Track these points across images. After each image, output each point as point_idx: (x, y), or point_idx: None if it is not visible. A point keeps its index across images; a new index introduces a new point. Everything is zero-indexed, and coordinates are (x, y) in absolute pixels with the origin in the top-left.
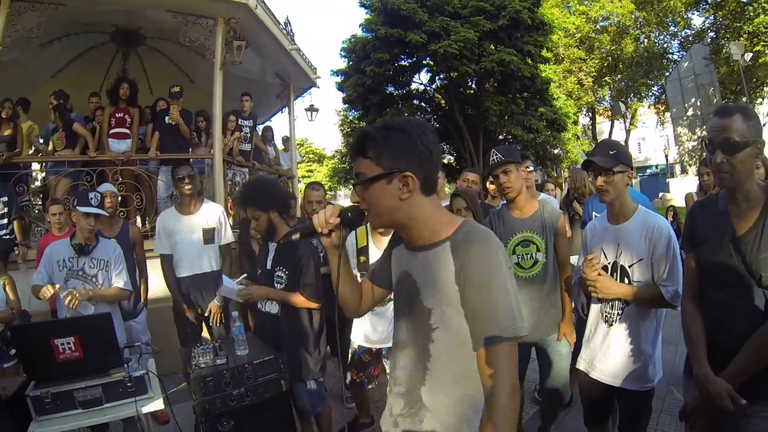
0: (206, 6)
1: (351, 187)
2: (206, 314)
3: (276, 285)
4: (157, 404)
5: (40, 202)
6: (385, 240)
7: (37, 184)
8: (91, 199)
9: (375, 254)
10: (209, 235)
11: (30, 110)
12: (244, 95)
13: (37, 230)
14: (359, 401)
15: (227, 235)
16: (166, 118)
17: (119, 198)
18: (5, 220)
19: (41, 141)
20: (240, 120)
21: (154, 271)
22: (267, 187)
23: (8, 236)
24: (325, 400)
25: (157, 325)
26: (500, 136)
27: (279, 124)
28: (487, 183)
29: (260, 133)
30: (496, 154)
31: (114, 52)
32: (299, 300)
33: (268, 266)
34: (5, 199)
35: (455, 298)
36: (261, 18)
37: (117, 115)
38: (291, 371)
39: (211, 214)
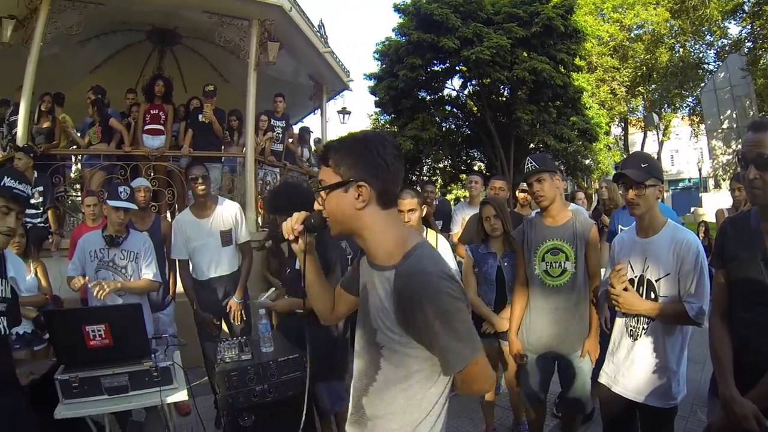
0: (241, 7)
1: None
2: (227, 310)
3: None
4: (181, 395)
5: (75, 193)
6: None
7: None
8: (121, 193)
9: None
10: (227, 237)
11: (67, 105)
12: (277, 96)
13: (71, 220)
14: None
15: (244, 233)
16: (200, 116)
17: (152, 193)
18: (40, 209)
19: (78, 134)
20: (272, 120)
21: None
22: (295, 193)
23: (43, 224)
24: (344, 400)
25: (184, 318)
26: (531, 145)
27: (311, 126)
28: (517, 191)
29: (297, 133)
30: (530, 162)
31: (150, 51)
32: None
33: (297, 266)
34: (41, 188)
35: (398, 330)
36: (295, 20)
37: (152, 112)
38: (317, 368)
39: (227, 213)
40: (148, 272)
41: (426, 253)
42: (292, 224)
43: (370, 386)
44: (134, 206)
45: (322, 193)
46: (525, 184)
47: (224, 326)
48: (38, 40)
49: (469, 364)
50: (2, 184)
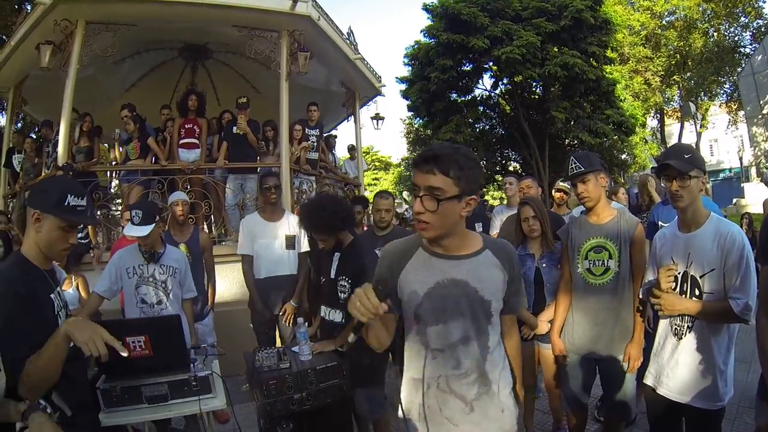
0: (270, 20)
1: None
2: (279, 313)
3: (339, 294)
4: (220, 403)
5: (115, 208)
6: None
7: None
8: (133, 218)
9: None
10: (291, 241)
11: (105, 122)
12: (311, 105)
13: (111, 234)
14: None
15: (305, 244)
16: (234, 128)
17: (189, 205)
18: (81, 225)
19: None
20: (307, 129)
21: (221, 276)
22: (328, 211)
23: (84, 239)
24: (383, 408)
25: (223, 327)
26: (566, 141)
27: (345, 133)
28: (553, 191)
29: (327, 141)
30: (574, 163)
31: (183, 67)
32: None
33: (332, 275)
34: None
35: (502, 289)
36: (324, 29)
37: (186, 126)
38: (352, 377)
39: (292, 223)
40: (187, 290)
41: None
42: (369, 305)
43: (487, 355)
44: (147, 230)
45: (427, 198)
46: (561, 184)
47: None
48: (75, 62)
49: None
50: (66, 203)
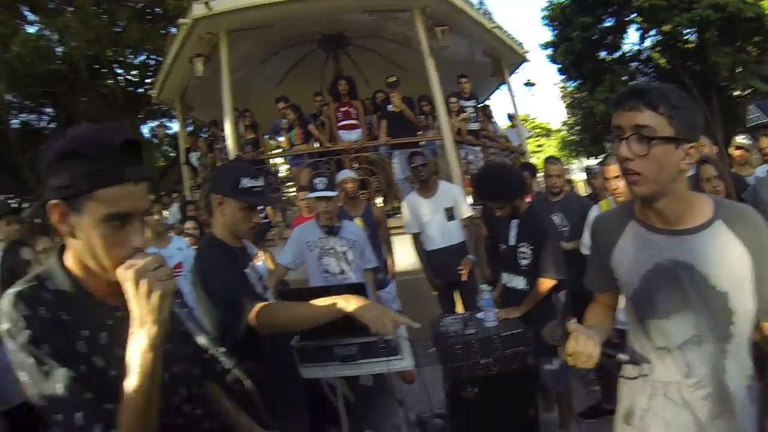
0: (398, 0)
1: (584, 160)
2: (459, 278)
3: (520, 260)
4: (406, 364)
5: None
6: None
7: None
8: (317, 184)
9: None
10: (450, 213)
11: (260, 115)
12: (461, 77)
13: (287, 213)
14: (604, 385)
15: (465, 210)
16: (389, 106)
17: (359, 182)
18: (260, 206)
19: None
20: (461, 101)
21: (399, 246)
22: (502, 179)
23: (264, 219)
24: (566, 379)
25: (405, 295)
26: (736, 92)
27: (499, 103)
28: (731, 149)
29: (486, 113)
30: (755, 112)
31: (325, 57)
32: (544, 287)
33: (511, 242)
34: None
35: (748, 277)
36: (453, 2)
37: (342, 110)
38: (537, 346)
39: (449, 193)
40: (367, 260)
41: (730, 201)
42: (591, 353)
43: (727, 364)
44: (333, 193)
45: (635, 139)
46: (740, 140)
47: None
48: (226, 68)
49: None
50: (241, 186)
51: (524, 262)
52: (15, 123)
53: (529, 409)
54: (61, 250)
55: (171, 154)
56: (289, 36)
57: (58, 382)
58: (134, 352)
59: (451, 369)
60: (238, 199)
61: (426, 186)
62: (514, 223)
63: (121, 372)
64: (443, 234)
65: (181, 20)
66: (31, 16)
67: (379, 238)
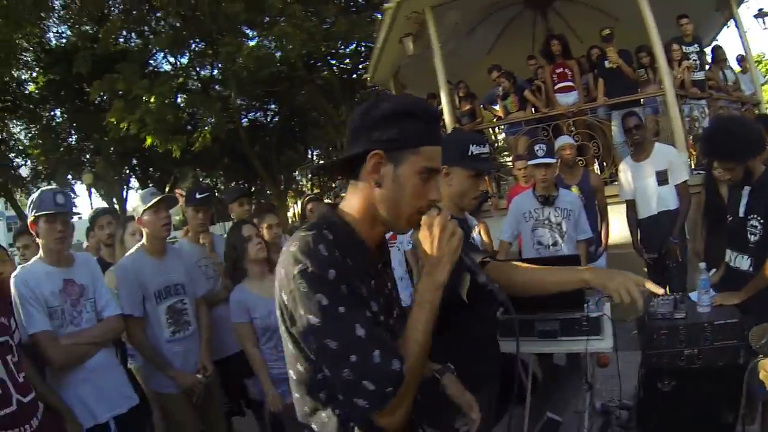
0: None
1: None
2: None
3: (749, 236)
4: (606, 345)
5: (502, 159)
6: None
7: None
8: (538, 150)
9: None
10: (663, 176)
11: (473, 84)
12: (680, 17)
13: (504, 183)
14: None
15: (680, 174)
16: (606, 63)
17: (576, 148)
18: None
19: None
20: (684, 47)
21: (614, 216)
22: (736, 133)
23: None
24: None
25: (616, 268)
26: None
27: (726, 43)
28: None
29: (710, 56)
30: None
31: (533, 17)
32: None
33: (741, 213)
34: None
35: None
36: None
37: (557, 71)
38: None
39: (664, 155)
40: (581, 231)
41: None
42: None
43: None
44: (552, 160)
45: None
46: None
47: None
48: (435, 42)
49: None
50: (471, 153)
51: (753, 238)
52: (244, 121)
53: (728, 415)
54: (332, 205)
55: None
56: (494, 1)
57: (356, 322)
58: (428, 289)
59: (650, 356)
60: (467, 167)
61: (640, 148)
62: (746, 190)
63: (386, 320)
64: (654, 200)
65: (386, 5)
66: (250, 32)
67: (594, 207)
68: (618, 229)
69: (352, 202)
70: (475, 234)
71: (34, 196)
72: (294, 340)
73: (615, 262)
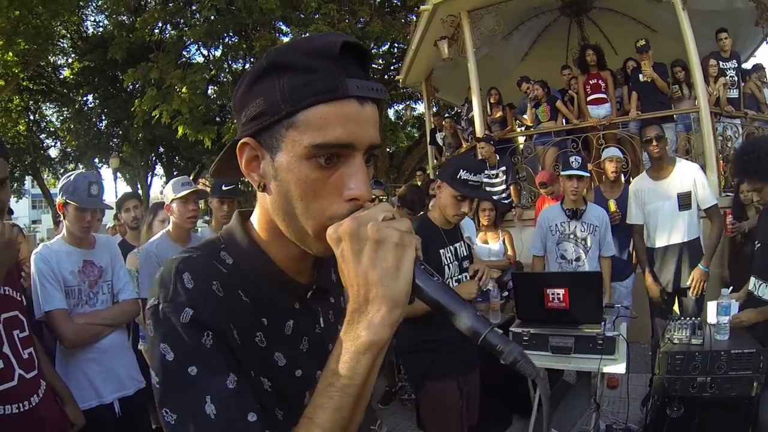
0: None
1: None
2: (687, 284)
3: None
4: (619, 367)
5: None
6: None
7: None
8: (572, 162)
9: None
10: (686, 200)
11: (507, 92)
12: (719, 32)
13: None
14: None
15: (707, 198)
16: (640, 76)
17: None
18: (504, 186)
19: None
20: (721, 63)
21: None
22: (764, 151)
23: (506, 199)
24: None
25: (641, 291)
26: None
27: (764, 60)
28: None
29: (750, 73)
30: None
31: (568, 24)
32: None
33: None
34: (503, 168)
35: None
36: None
37: (591, 82)
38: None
39: (686, 174)
40: (606, 248)
41: None
42: None
43: None
44: (585, 173)
45: None
46: None
47: (676, 303)
48: (470, 47)
49: None
50: (459, 177)
51: None
52: None
53: None
54: (244, 213)
55: (414, 135)
56: (529, 7)
57: (208, 394)
58: (343, 351)
59: (663, 381)
60: (453, 188)
61: (658, 165)
62: None
63: (310, 372)
64: (671, 227)
65: (422, 7)
66: (284, 27)
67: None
68: None
69: (255, 215)
70: (498, 244)
71: (69, 179)
72: None
73: (642, 283)
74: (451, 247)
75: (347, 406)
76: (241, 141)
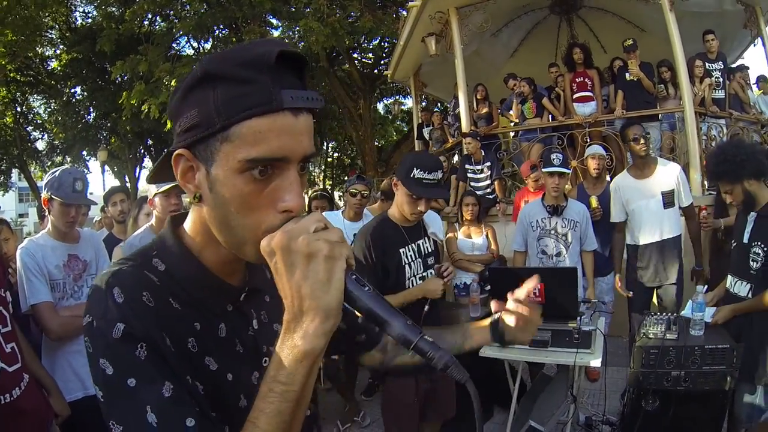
0: None
1: None
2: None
3: (751, 263)
4: (595, 361)
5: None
6: None
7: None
8: (554, 159)
9: None
10: (670, 198)
11: (493, 89)
12: (706, 33)
13: (515, 189)
14: None
15: (689, 196)
16: (627, 75)
17: (605, 160)
18: (488, 181)
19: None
20: (707, 64)
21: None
22: (735, 153)
23: (491, 195)
24: (764, 414)
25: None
26: None
27: (752, 62)
28: None
29: (734, 73)
30: None
31: (558, 22)
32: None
33: (745, 239)
34: (488, 164)
35: None
36: None
37: (577, 80)
38: (741, 368)
39: (670, 173)
40: (588, 242)
41: None
42: None
43: None
44: (567, 170)
45: None
46: None
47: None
48: (458, 44)
49: None
50: (412, 175)
51: (755, 265)
52: None
53: None
54: (177, 218)
55: (404, 130)
56: (519, 5)
57: (148, 404)
58: (280, 362)
59: (637, 374)
60: (406, 187)
61: (642, 164)
62: (752, 216)
63: (242, 375)
64: (658, 224)
65: (411, 3)
66: (275, 21)
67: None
68: None
69: (189, 220)
70: (481, 238)
71: (55, 175)
72: None
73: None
74: (412, 244)
75: (287, 410)
76: (176, 152)
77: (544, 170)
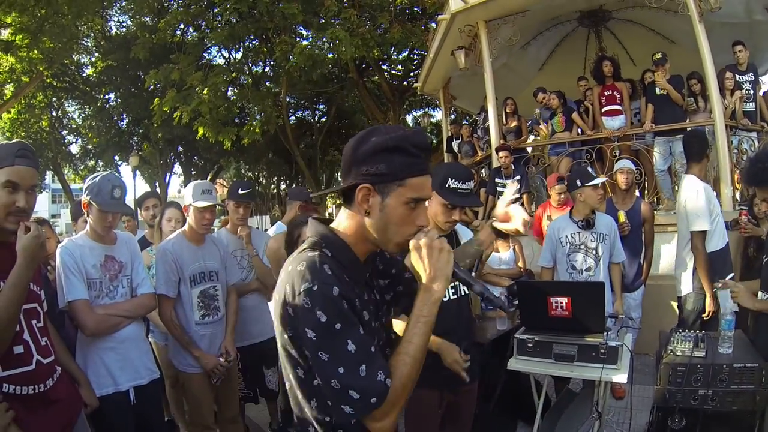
0: None
1: None
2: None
3: None
4: (621, 377)
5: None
6: None
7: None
8: (591, 172)
9: None
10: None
11: (523, 102)
12: (736, 45)
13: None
14: None
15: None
16: (657, 88)
17: (635, 174)
18: (518, 195)
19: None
20: (737, 75)
21: (664, 247)
22: None
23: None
24: None
25: (651, 302)
26: None
27: None
28: None
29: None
30: None
31: (586, 35)
32: None
33: None
34: (518, 177)
35: None
36: None
37: (606, 93)
38: None
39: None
40: (618, 255)
41: None
42: None
43: None
44: (599, 181)
45: None
46: None
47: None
48: (487, 57)
49: None
50: (447, 185)
51: None
52: (292, 119)
53: None
54: (321, 221)
55: (433, 142)
56: (547, 18)
57: (349, 338)
58: (423, 305)
59: (664, 392)
60: (441, 196)
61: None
62: None
63: (376, 322)
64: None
65: (440, 16)
66: (305, 32)
67: (639, 237)
68: (663, 258)
69: (345, 223)
70: (509, 252)
71: (94, 180)
72: (294, 348)
73: (652, 294)
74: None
75: (427, 333)
76: (364, 185)
77: (587, 185)
